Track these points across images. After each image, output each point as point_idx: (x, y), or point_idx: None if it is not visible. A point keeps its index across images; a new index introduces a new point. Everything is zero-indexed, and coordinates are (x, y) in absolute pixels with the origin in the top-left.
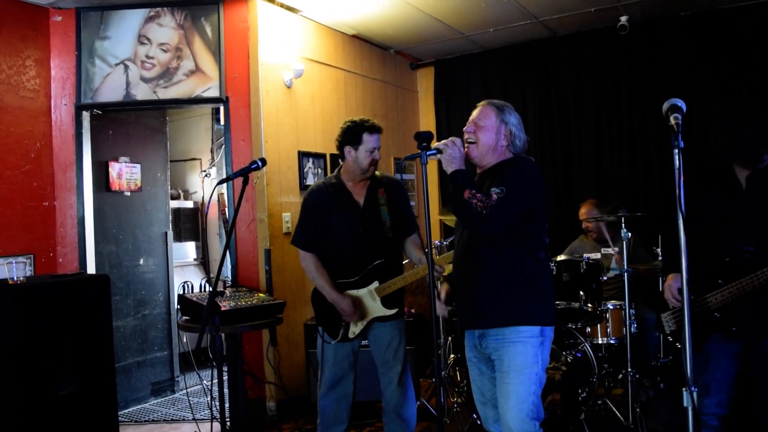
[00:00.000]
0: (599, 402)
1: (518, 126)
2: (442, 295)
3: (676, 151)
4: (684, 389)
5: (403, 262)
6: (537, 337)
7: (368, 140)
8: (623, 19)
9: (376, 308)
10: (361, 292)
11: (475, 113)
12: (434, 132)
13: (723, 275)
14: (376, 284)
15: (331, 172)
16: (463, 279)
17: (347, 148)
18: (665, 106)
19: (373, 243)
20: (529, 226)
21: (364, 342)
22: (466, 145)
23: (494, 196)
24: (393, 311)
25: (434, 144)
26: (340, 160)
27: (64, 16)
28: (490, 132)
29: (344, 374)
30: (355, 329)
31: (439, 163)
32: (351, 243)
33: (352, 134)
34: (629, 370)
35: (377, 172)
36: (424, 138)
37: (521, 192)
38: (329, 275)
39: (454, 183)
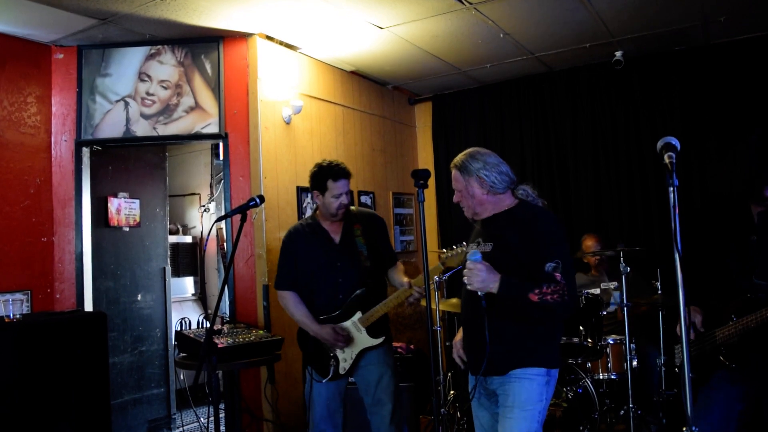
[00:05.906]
0: None
1: (487, 167)
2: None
3: (671, 189)
4: (684, 429)
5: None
6: (543, 376)
7: (333, 187)
8: (618, 54)
9: (362, 339)
10: (346, 325)
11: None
12: (433, 166)
13: (737, 310)
14: (359, 315)
15: None
16: (470, 324)
17: (315, 193)
18: (659, 144)
19: (352, 274)
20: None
21: (351, 379)
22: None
23: (557, 275)
24: (380, 340)
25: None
26: None
27: (66, 53)
28: (465, 192)
29: (336, 412)
30: (345, 364)
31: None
32: (331, 278)
33: (317, 180)
34: (631, 405)
35: (353, 208)
36: (421, 176)
37: (567, 251)
38: (311, 312)
39: (510, 298)
